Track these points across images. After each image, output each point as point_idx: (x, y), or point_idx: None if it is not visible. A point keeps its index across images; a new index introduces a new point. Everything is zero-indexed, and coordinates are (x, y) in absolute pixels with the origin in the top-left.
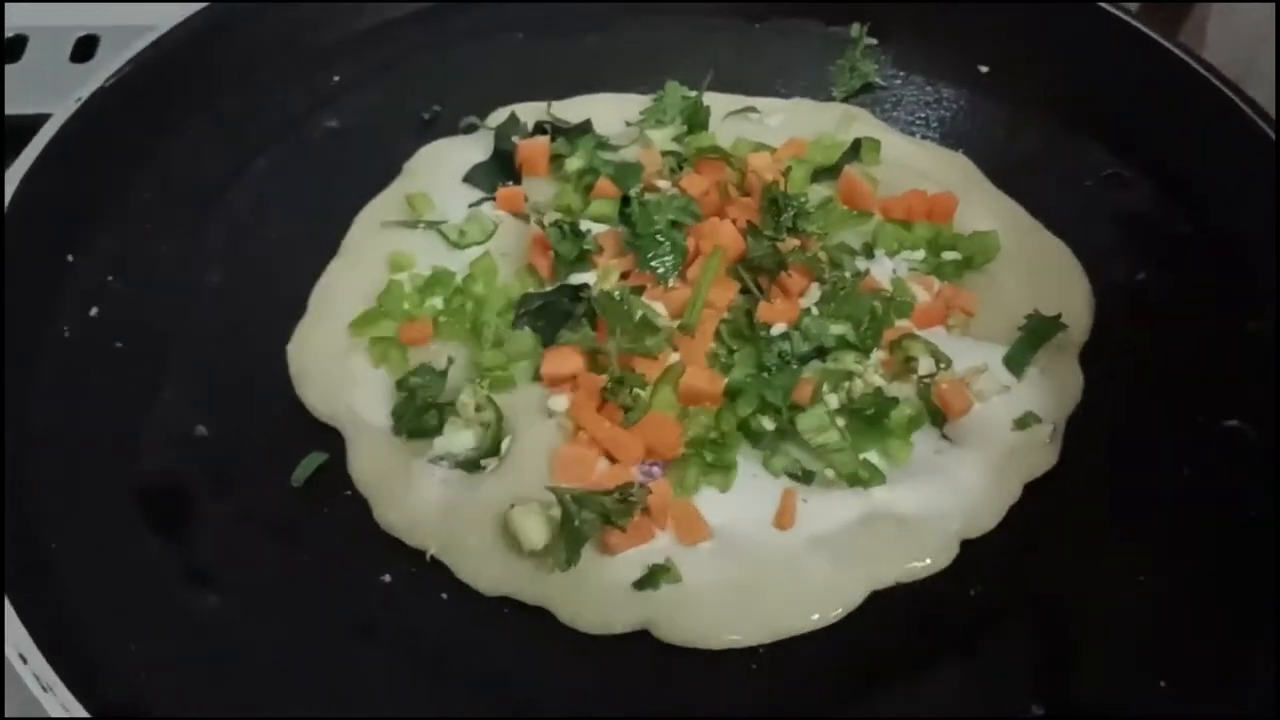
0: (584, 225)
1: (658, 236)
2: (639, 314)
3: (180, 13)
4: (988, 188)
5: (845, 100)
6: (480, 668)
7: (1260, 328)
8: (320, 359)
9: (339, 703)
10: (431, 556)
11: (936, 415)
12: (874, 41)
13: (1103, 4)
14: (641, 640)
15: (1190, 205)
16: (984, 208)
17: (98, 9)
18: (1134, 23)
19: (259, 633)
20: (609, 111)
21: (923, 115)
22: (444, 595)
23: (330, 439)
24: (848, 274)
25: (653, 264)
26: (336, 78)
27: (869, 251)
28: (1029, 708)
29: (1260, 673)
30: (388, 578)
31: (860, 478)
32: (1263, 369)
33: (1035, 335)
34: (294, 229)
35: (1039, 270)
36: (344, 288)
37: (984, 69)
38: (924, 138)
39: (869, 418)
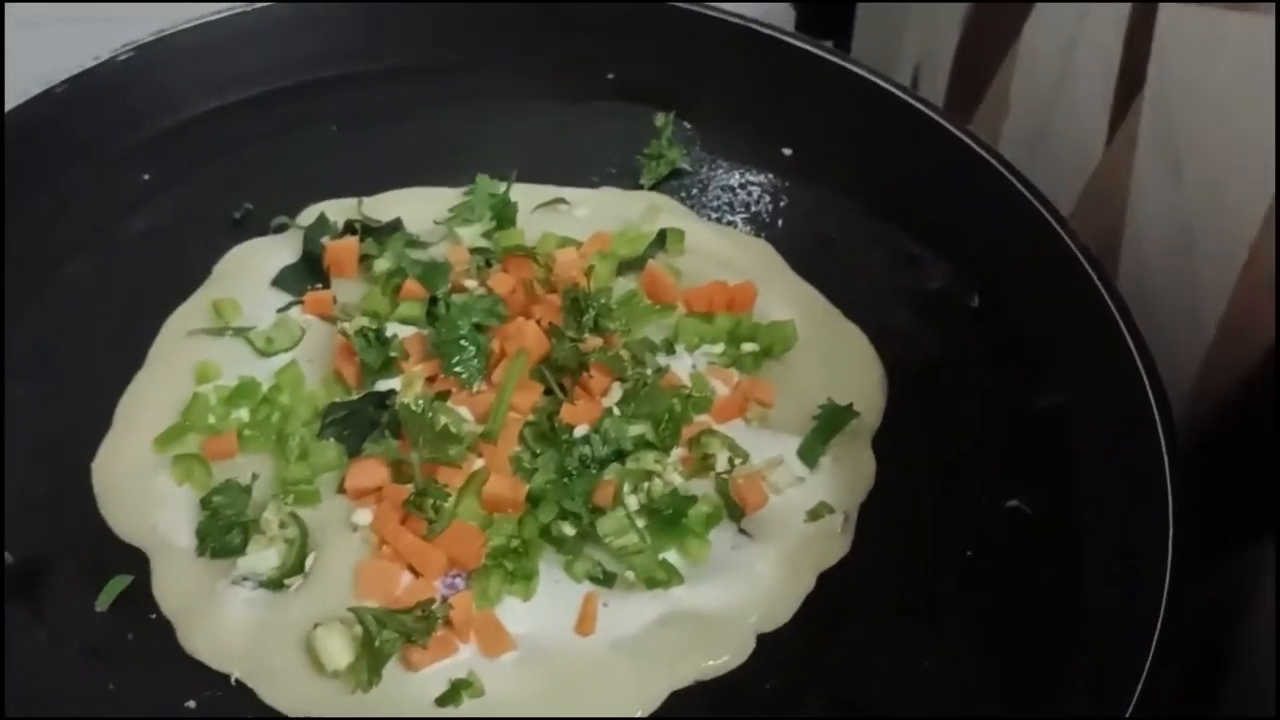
0: (391, 329)
1: (461, 341)
2: (441, 423)
3: None
4: (788, 275)
5: (654, 187)
6: None
7: (1047, 405)
8: (124, 477)
9: None
10: (237, 680)
11: (734, 510)
12: (687, 125)
13: (898, 92)
14: None
15: (982, 288)
16: (783, 296)
17: None
18: (926, 110)
19: None
20: (420, 207)
21: (728, 201)
22: None
23: (136, 562)
24: (649, 371)
25: (456, 370)
26: (146, 176)
27: (669, 347)
28: None
29: None
30: (192, 704)
31: (658, 580)
32: (1045, 448)
33: (828, 425)
34: (102, 338)
35: (835, 358)
36: (150, 401)
37: (787, 152)
38: (729, 223)
39: (668, 517)
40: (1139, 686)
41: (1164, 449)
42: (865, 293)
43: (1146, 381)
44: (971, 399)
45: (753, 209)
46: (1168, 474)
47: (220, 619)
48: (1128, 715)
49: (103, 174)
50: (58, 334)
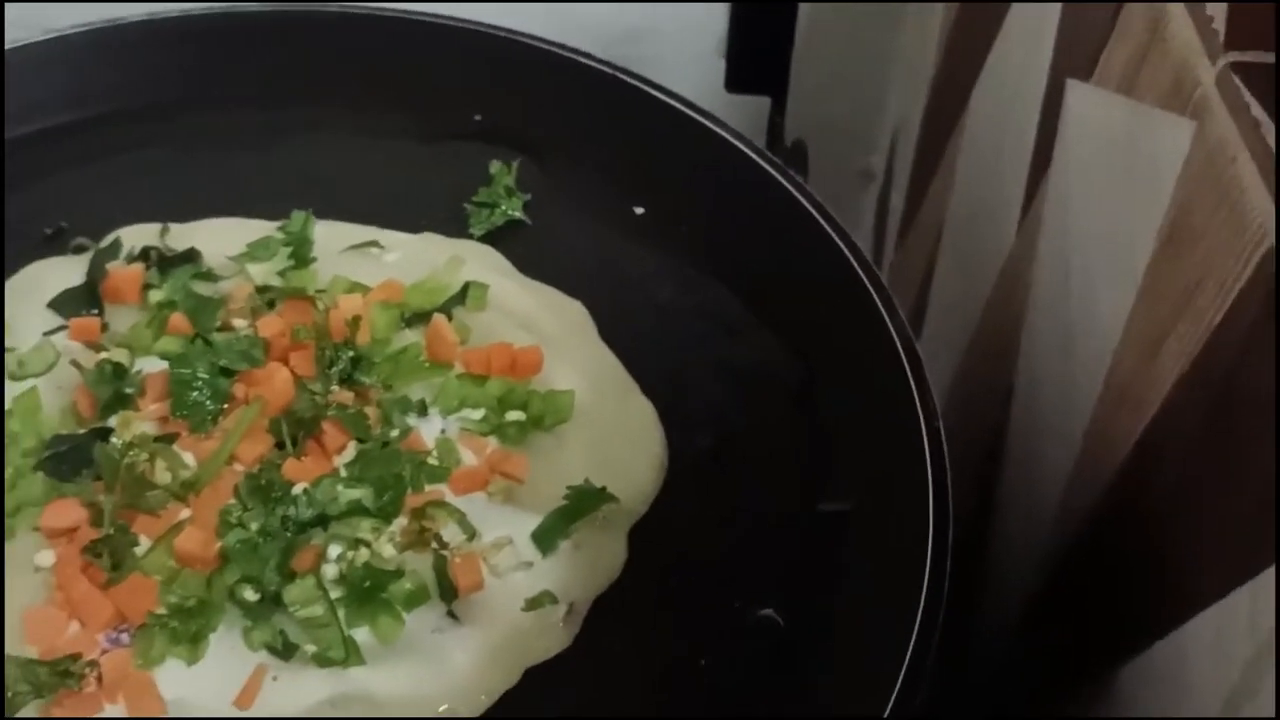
0: (141, 365)
1: (195, 383)
2: (139, 469)
3: None
4: (592, 341)
5: (485, 237)
6: None
7: (831, 509)
8: None
9: None
10: None
11: (447, 590)
12: (541, 174)
13: (759, 160)
14: None
15: (802, 376)
16: (577, 364)
17: None
18: (784, 182)
19: None
20: (229, 239)
21: (564, 258)
22: None
23: None
24: (394, 433)
25: (185, 412)
26: None
27: (423, 408)
28: None
29: None
30: None
31: (332, 658)
32: (817, 555)
33: (573, 509)
34: None
35: (614, 435)
36: None
37: (639, 210)
38: (556, 281)
39: (365, 591)
40: None
41: (926, 575)
42: (676, 367)
43: (932, 503)
44: (755, 493)
45: (585, 268)
46: (921, 603)
47: None
48: None
49: None
50: None
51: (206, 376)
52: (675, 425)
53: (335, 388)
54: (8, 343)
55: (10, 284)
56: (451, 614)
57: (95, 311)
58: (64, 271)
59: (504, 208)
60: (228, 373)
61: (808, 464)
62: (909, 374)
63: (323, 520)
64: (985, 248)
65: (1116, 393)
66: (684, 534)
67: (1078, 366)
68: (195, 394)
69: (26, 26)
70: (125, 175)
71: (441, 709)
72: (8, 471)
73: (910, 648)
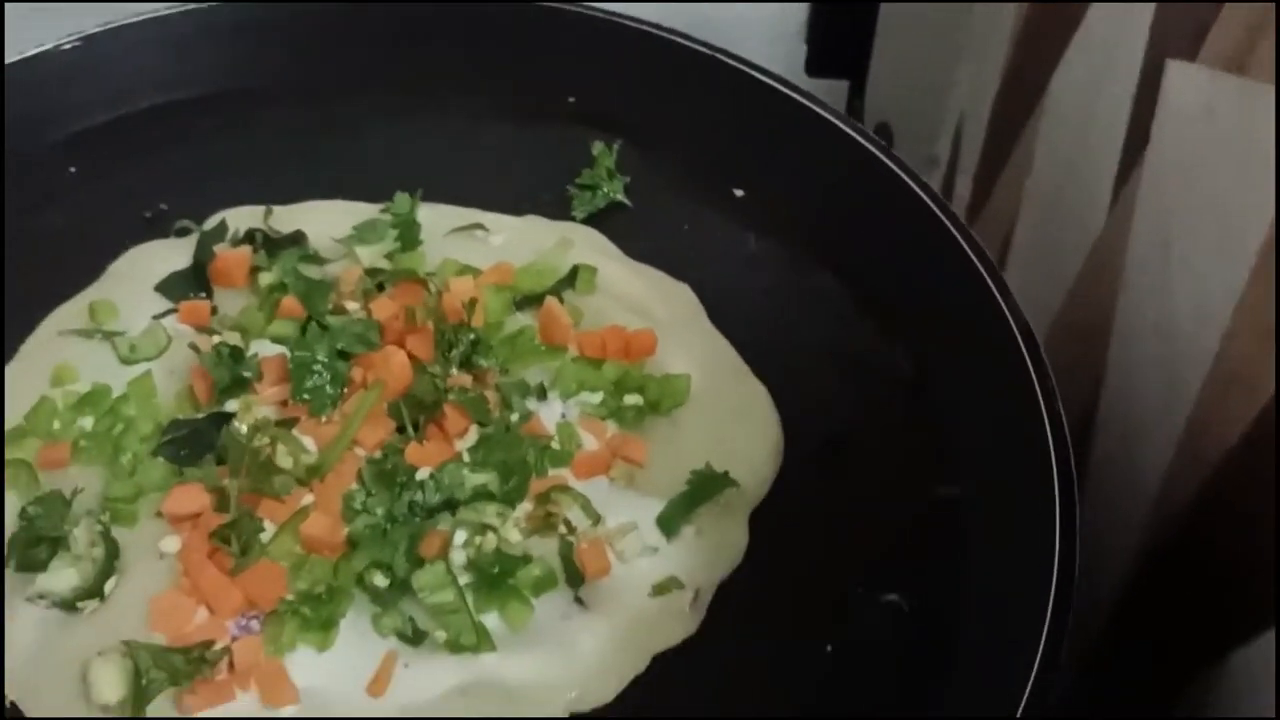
0: (255, 349)
1: (315, 366)
2: (265, 453)
3: None
4: (703, 324)
5: (588, 220)
6: None
7: (948, 494)
8: None
9: None
10: (12, 703)
11: (574, 576)
12: (639, 157)
13: (865, 143)
14: None
15: (913, 362)
16: (690, 347)
17: None
18: (892, 165)
19: None
20: (332, 222)
21: (665, 241)
22: None
23: None
24: (514, 417)
25: (305, 396)
26: (73, 169)
27: (542, 392)
28: None
29: None
30: None
31: (464, 645)
32: (938, 542)
33: (696, 493)
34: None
35: (730, 419)
36: (9, 398)
37: (739, 193)
38: (659, 264)
39: (494, 577)
40: None
41: (1056, 563)
42: (786, 352)
43: (1057, 486)
44: (872, 478)
45: (689, 251)
46: (1053, 591)
47: (11, 637)
48: None
49: (33, 162)
50: None
51: (325, 360)
52: (788, 409)
53: (454, 371)
54: (118, 325)
55: (114, 268)
56: (579, 600)
57: (203, 295)
58: (168, 254)
59: (606, 190)
60: (345, 356)
61: (923, 449)
62: (1026, 358)
63: (450, 505)
64: (1069, 233)
65: (1225, 379)
66: (803, 519)
67: (1180, 351)
68: (315, 378)
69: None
70: (225, 158)
71: (571, 696)
72: (125, 458)
73: (1043, 637)
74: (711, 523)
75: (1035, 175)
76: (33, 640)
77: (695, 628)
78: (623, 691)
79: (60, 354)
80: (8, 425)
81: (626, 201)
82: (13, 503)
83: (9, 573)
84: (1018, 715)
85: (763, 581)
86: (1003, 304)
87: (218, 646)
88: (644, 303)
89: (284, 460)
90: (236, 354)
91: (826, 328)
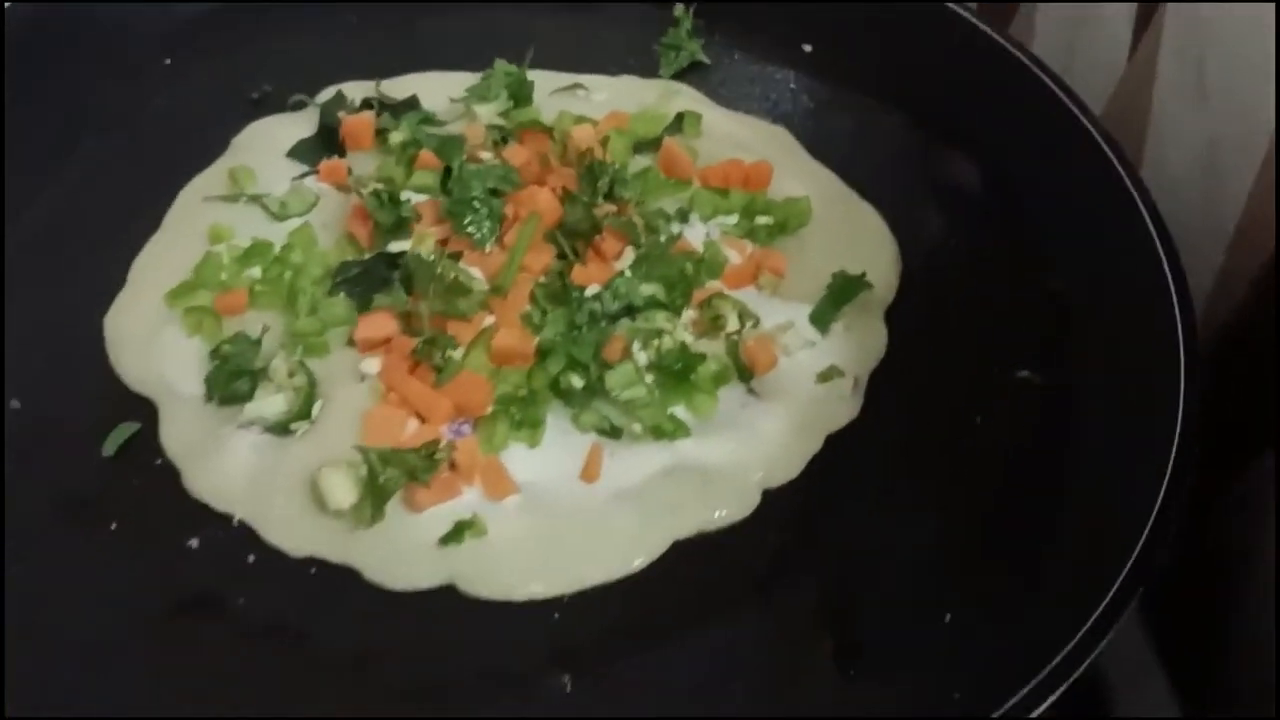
0: (404, 195)
1: (474, 203)
2: (451, 276)
3: None
4: (804, 158)
5: (672, 78)
6: (287, 628)
7: (1057, 287)
8: (135, 329)
9: (143, 666)
10: (239, 521)
11: (743, 371)
12: (708, 21)
13: None
14: (447, 595)
15: (995, 177)
16: (799, 177)
17: None
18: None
19: (67, 606)
20: (436, 89)
21: (746, 91)
22: (251, 559)
23: (145, 409)
24: (662, 238)
25: (469, 229)
26: (168, 61)
27: (684, 216)
28: (818, 649)
29: (1031, 609)
30: (194, 543)
31: (665, 430)
32: (1053, 323)
33: (840, 293)
34: (119, 206)
35: (848, 234)
36: (163, 261)
37: (807, 48)
38: (746, 112)
39: (676, 373)
40: (1130, 562)
41: (1179, 327)
42: (879, 178)
43: (1165, 263)
44: (983, 279)
45: (770, 100)
46: (1181, 352)
47: (224, 463)
48: (1116, 586)
49: (126, 57)
50: (75, 203)
51: (482, 198)
52: (894, 226)
53: (600, 201)
54: (257, 190)
55: (237, 141)
56: (751, 391)
57: (335, 157)
58: (288, 127)
59: (688, 49)
60: (495, 194)
61: (1020, 254)
62: (1114, 163)
63: (629, 311)
64: (1084, 86)
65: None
66: (930, 317)
67: (1224, 173)
68: (475, 215)
69: None
70: (320, 40)
71: (759, 475)
72: (303, 298)
73: (1180, 412)
74: (855, 320)
75: (1040, 35)
76: (250, 463)
77: (858, 411)
78: (804, 469)
79: (208, 218)
80: (175, 281)
81: (706, 59)
82: (199, 348)
83: (214, 407)
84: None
85: (907, 368)
86: (1080, 116)
87: (441, 448)
88: (747, 142)
89: (469, 282)
90: (394, 198)
91: (910, 157)
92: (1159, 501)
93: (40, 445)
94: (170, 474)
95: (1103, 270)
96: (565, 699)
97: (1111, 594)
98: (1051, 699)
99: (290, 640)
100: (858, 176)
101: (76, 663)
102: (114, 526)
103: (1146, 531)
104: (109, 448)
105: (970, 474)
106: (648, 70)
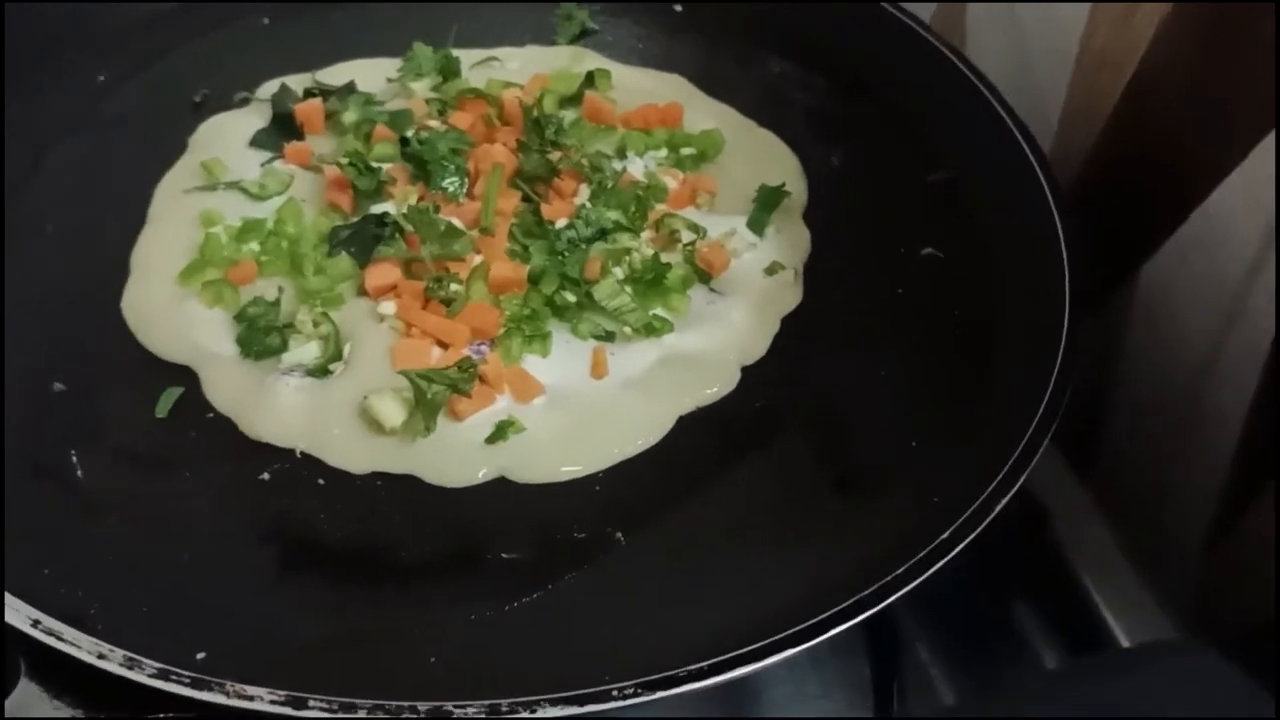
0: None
1: (443, 161)
2: (444, 224)
3: None
4: (703, 98)
5: (569, 44)
6: (368, 538)
7: (941, 179)
8: (156, 310)
9: (236, 591)
10: (302, 453)
11: (702, 275)
12: None
13: None
14: (501, 486)
15: (863, 95)
16: (704, 114)
17: None
18: None
19: (160, 542)
20: (367, 75)
21: (636, 49)
22: (321, 481)
23: (181, 375)
24: (608, 174)
25: (444, 185)
26: (101, 77)
27: (622, 154)
28: (820, 480)
29: (981, 430)
30: (266, 476)
31: (654, 328)
32: (942, 208)
33: (766, 201)
34: (100, 205)
35: (757, 156)
36: (161, 249)
37: (678, 8)
38: (642, 66)
39: (650, 282)
40: (1053, 378)
41: (1047, 190)
42: (768, 110)
43: (1024, 145)
44: (875, 181)
45: (656, 55)
46: (1054, 209)
47: (275, 406)
48: (1043, 407)
49: (60, 72)
50: (56, 205)
51: (448, 157)
52: (794, 147)
53: (550, 150)
54: (231, 177)
55: (196, 139)
56: (714, 290)
57: (295, 140)
58: (238, 121)
59: (578, 17)
60: (456, 154)
61: (904, 156)
62: (962, 69)
63: (601, 235)
64: None
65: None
66: (837, 214)
67: (1038, 59)
68: (446, 170)
69: None
70: (235, 44)
71: (736, 356)
72: (307, 262)
73: (1064, 257)
74: (782, 224)
75: None
76: (299, 403)
77: (801, 296)
78: (770, 347)
79: (193, 207)
80: (180, 265)
81: (595, 26)
82: (222, 315)
83: (251, 362)
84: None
85: (832, 258)
86: (923, 34)
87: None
88: (652, 90)
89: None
90: (370, 167)
91: (786, 87)
92: (1065, 324)
93: (95, 419)
94: (225, 424)
95: (974, 156)
96: (623, 549)
97: (1040, 411)
98: (1004, 502)
99: (379, 544)
100: (748, 110)
101: (191, 597)
102: (187, 474)
103: (1061, 349)
104: (161, 410)
105: (902, 333)
106: (545, 39)
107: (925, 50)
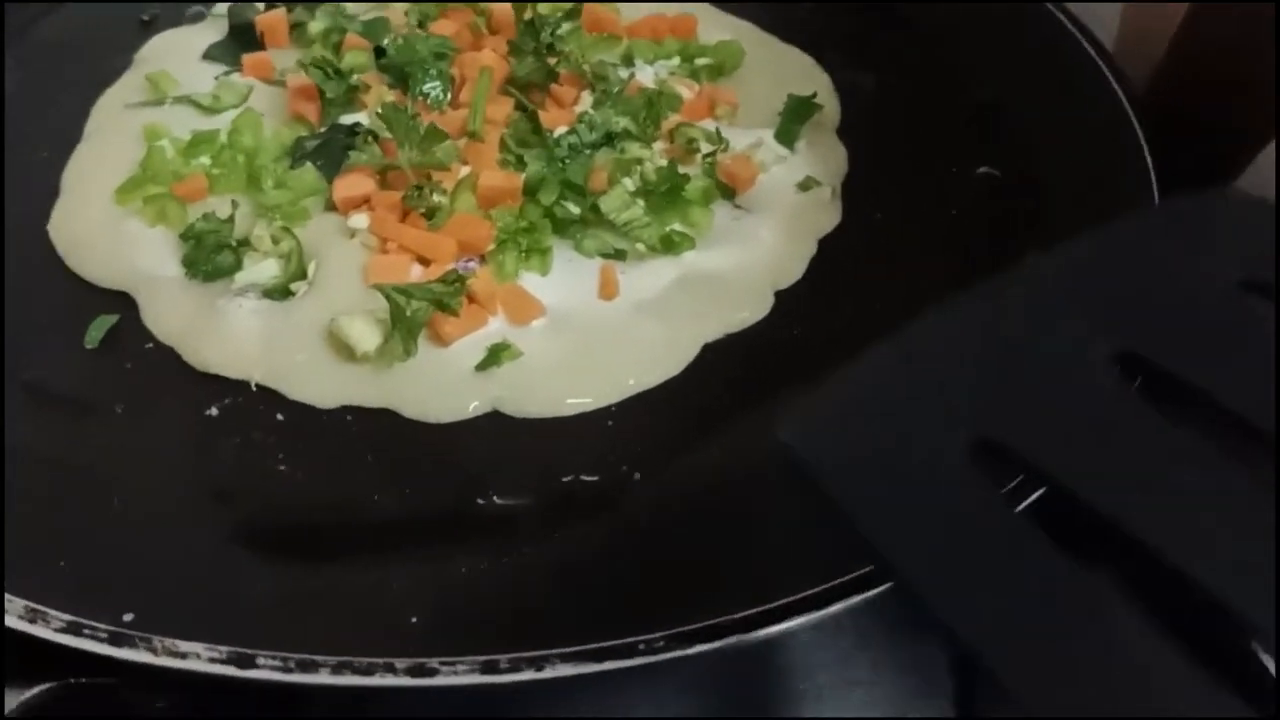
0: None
1: (424, 64)
2: (426, 126)
3: None
4: (719, 12)
5: None
6: (335, 483)
7: (985, 98)
8: (89, 231)
9: (176, 546)
10: (257, 385)
11: (725, 190)
12: None
13: None
14: (495, 420)
15: (895, 18)
16: (720, 26)
17: None
18: None
19: (87, 490)
20: None
21: None
22: (279, 417)
23: (116, 302)
24: (613, 81)
25: (425, 91)
26: None
27: (629, 61)
28: None
29: None
30: (214, 411)
31: (672, 242)
32: (997, 124)
33: (796, 111)
34: (27, 130)
35: (782, 70)
36: (97, 166)
37: None
38: None
39: (666, 194)
40: None
41: (1121, 96)
42: (789, 27)
43: (1086, 44)
44: (914, 98)
45: None
46: (1133, 117)
47: (227, 332)
48: None
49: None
50: None
51: (429, 59)
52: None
53: (545, 54)
54: (180, 92)
55: (142, 54)
56: (739, 207)
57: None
58: (191, 36)
59: None
60: (440, 58)
61: (942, 74)
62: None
63: (609, 140)
64: None
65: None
66: (877, 131)
67: None
68: (428, 74)
69: None
70: None
71: (768, 279)
72: (266, 176)
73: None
74: (814, 139)
75: None
76: (255, 328)
77: (840, 217)
78: (806, 271)
79: (134, 123)
80: (116, 181)
81: None
82: (165, 235)
83: (199, 284)
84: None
85: (874, 179)
86: None
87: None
88: (660, 8)
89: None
90: (340, 71)
91: (819, 15)
92: None
93: (13, 353)
94: (166, 354)
95: (1024, 69)
96: (639, 490)
97: None
98: None
99: (348, 490)
100: (767, 28)
101: (123, 553)
102: (119, 410)
103: None
104: (91, 340)
105: (955, 258)
106: None
107: None
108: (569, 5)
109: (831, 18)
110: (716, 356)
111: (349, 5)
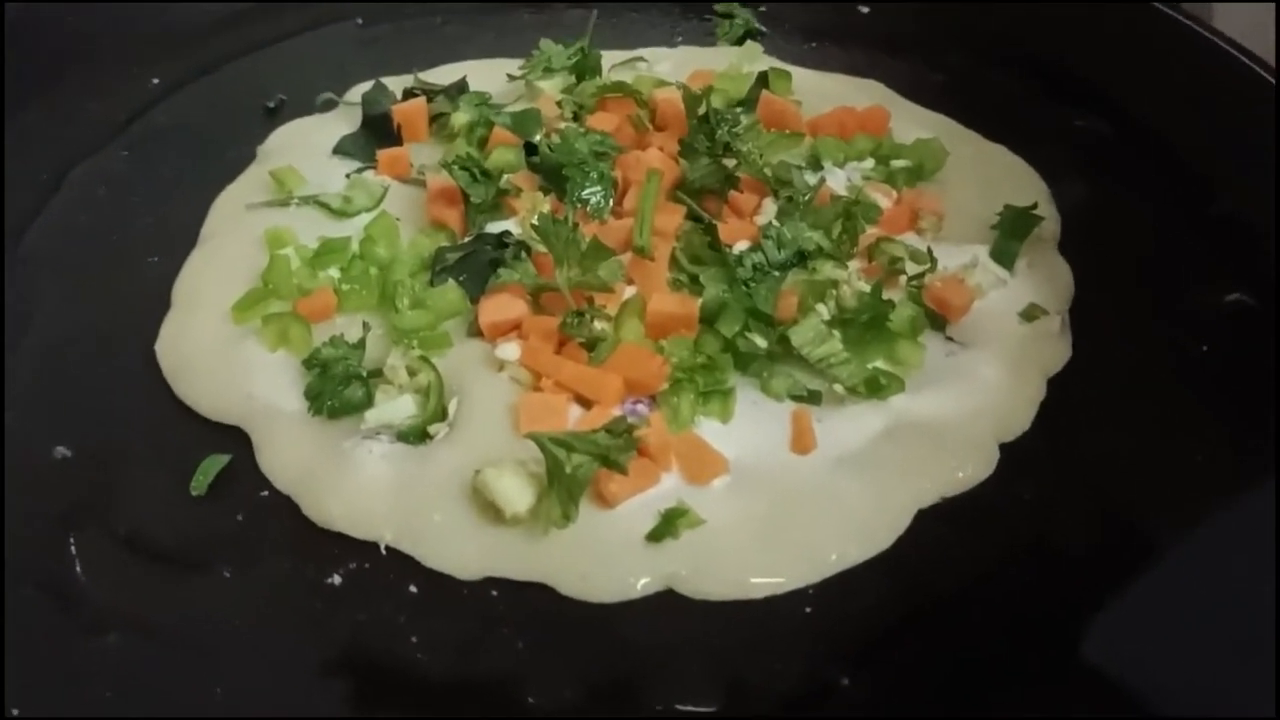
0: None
1: (584, 167)
2: (587, 240)
3: None
4: (911, 105)
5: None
6: (476, 670)
7: (1222, 211)
8: (201, 352)
9: None
10: (388, 547)
11: (933, 319)
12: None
13: None
14: (669, 601)
15: (1106, 110)
16: (914, 122)
17: None
18: None
19: (183, 668)
20: (481, 74)
21: (813, 54)
22: (413, 589)
23: (227, 439)
24: (800, 187)
25: (584, 197)
26: (155, 80)
27: (816, 164)
28: (1102, 598)
29: None
30: (337, 579)
31: (878, 384)
32: (1240, 246)
33: (1014, 226)
34: (139, 228)
35: (990, 173)
36: (211, 276)
37: (864, 9)
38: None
39: (868, 324)
40: None
41: None
42: (991, 122)
43: None
44: (1143, 209)
45: (838, 59)
46: None
47: (354, 481)
48: None
49: (109, 76)
50: (85, 230)
51: (590, 160)
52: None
53: (722, 155)
54: (306, 191)
55: (267, 147)
56: (950, 338)
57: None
58: (319, 127)
59: (740, 17)
60: (601, 158)
61: (1166, 183)
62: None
63: (800, 260)
64: None
65: None
66: (1105, 247)
67: None
68: (588, 177)
69: None
70: (323, 46)
71: (991, 428)
72: (403, 292)
73: None
74: (1035, 257)
75: None
76: (386, 478)
77: (1070, 351)
78: (1035, 417)
79: (255, 226)
80: (235, 296)
81: (763, 28)
82: (287, 360)
83: (323, 422)
84: None
85: (1105, 304)
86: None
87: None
88: (844, 95)
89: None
90: (487, 173)
91: (1009, 104)
92: None
93: (106, 496)
94: (283, 504)
95: (1256, 189)
96: (848, 698)
97: None
98: None
99: (492, 680)
100: (968, 123)
101: None
102: (228, 575)
103: None
104: (198, 486)
105: (1209, 402)
106: (701, 42)
107: (1201, 49)
108: (743, 94)
109: (1038, 108)
110: (933, 525)
111: (495, 94)
